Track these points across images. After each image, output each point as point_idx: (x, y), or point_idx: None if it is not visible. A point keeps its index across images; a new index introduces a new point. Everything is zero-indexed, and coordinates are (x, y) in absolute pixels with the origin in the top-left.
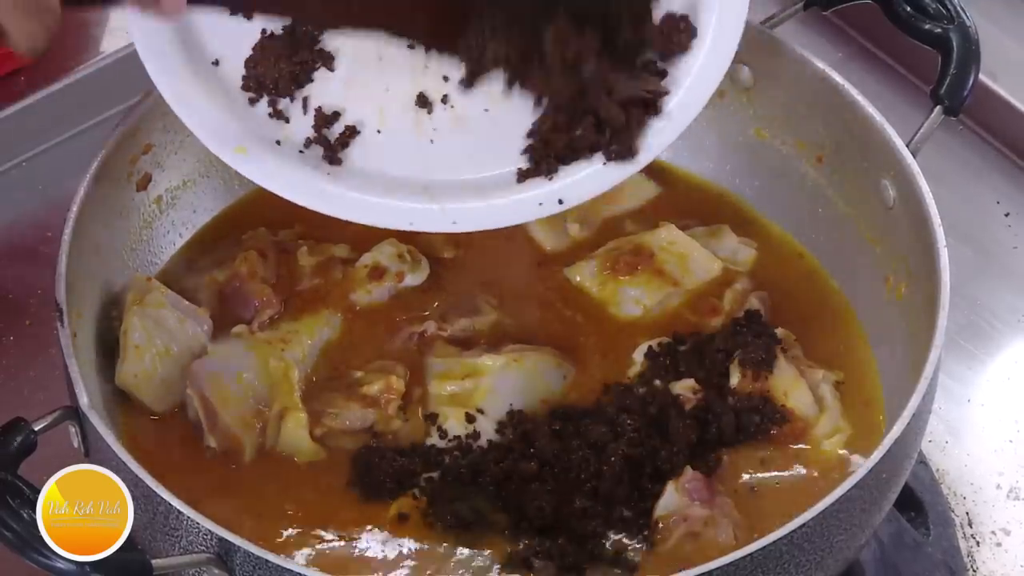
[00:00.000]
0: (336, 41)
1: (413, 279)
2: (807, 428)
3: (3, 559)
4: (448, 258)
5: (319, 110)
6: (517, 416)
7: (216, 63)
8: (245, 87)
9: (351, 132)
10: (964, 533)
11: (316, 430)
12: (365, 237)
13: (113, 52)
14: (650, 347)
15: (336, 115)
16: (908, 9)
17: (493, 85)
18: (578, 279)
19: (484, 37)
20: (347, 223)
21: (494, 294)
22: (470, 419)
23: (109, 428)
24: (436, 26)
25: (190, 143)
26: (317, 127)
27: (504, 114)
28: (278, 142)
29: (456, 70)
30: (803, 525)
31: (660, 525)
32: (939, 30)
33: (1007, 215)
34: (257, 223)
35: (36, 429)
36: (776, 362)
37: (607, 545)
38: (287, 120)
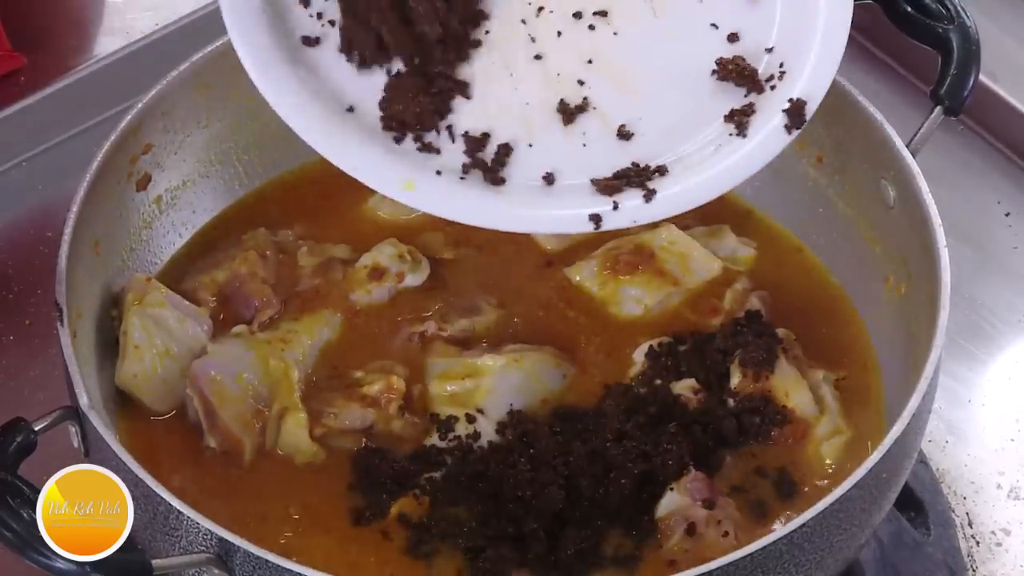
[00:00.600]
0: (465, 69)
1: (413, 279)
2: (808, 429)
3: (3, 559)
4: (448, 258)
5: (467, 135)
6: (517, 416)
7: (351, 110)
8: (386, 127)
9: (505, 151)
10: (964, 533)
11: (316, 430)
12: (365, 237)
13: (112, 52)
14: (651, 347)
15: (486, 136)
16: (908, 9)
17: (633, 85)
18: (578, 279)
19: None
20: (345, 224)
21: (494, 294)
22: (470, 419)
23: (109, 428)
24: None
25: (190, 143)
26: (470, 152)
27: (651, 108)
28: (439, 172)
29: (586, 71)
30: (803, 525)
31: (661, 525)
32: (939, 30)
33: (1007, 215)
34: (257, 223)
35: (36, 429)
36: (777, 362)
37: (608, 549)
38: (438, 151)
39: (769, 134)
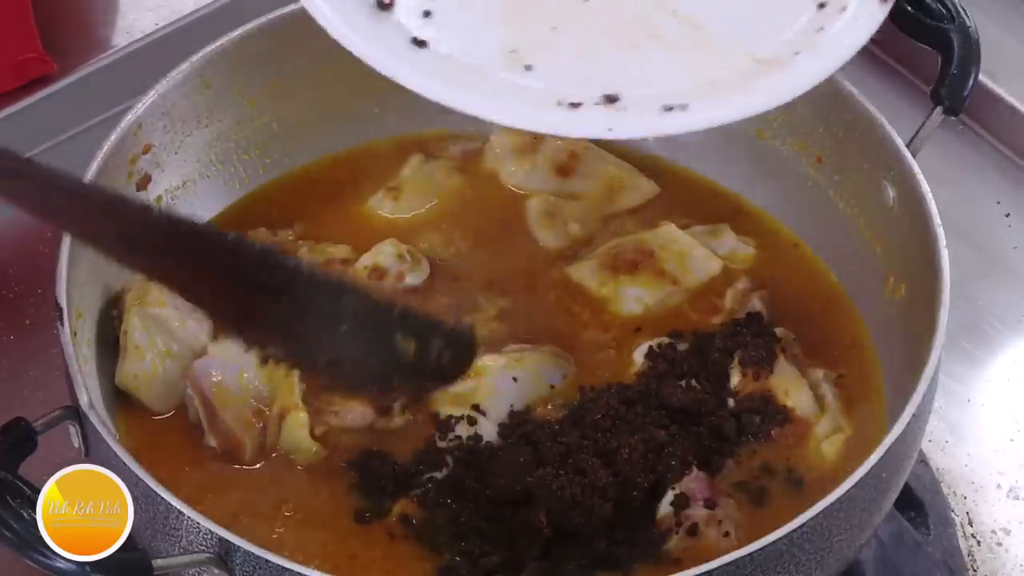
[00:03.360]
0: None
1: (413, 279)
2: (808, 428)
3: (3, 559)
4: (448, 258)
5: None
6: (518, 417)
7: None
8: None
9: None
10: (964, 533)
11: (317, 429)
12: (365, 237)
13: (113, 52)
14: (650, 347)
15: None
16: (908, 9)
17: None
18: (578, 278)
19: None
20: (345, 224)
21: (495, 293)
22: (471, 422)
23: (109, 428)
24: (227, 314)
25: (190, 143)
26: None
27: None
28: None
29: None
30: (803, 525)
31: (662, 525)
32: (939, 30)
33: (1007, 215)
34: (257, 223)
35: (36, 429)
36: (776, 361)
37: (608, 550)
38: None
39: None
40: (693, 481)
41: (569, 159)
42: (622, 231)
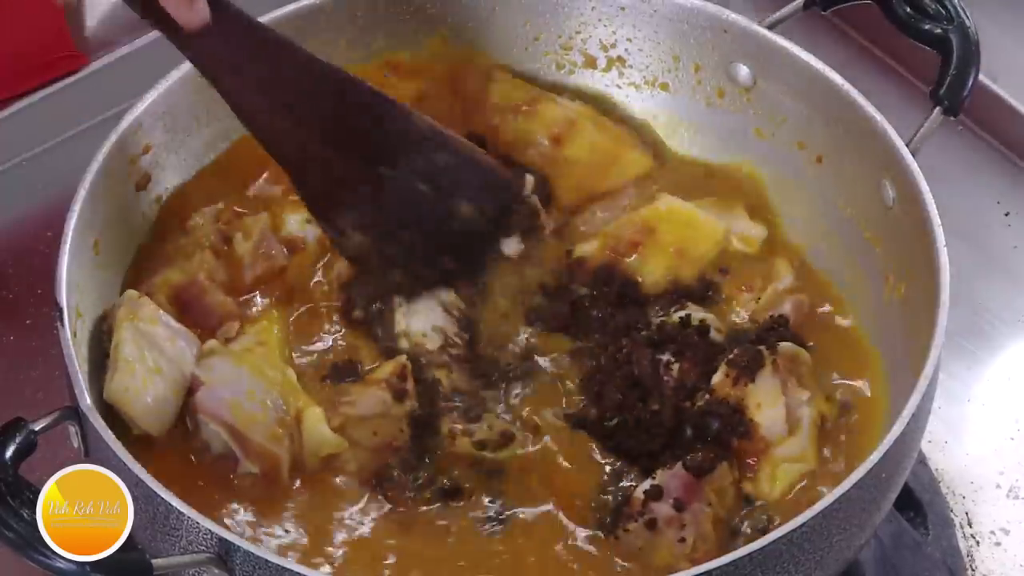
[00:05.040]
0: None
1: None
2: (767, 448)
3: (3, 559)
4: None
5: None
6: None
7: None
8: None
9: None
10: (964, 533)
11: (333, 420)
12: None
13: (114, 52)
14: (661, 321)
15: None
16: (908, 9)
17: None
18: (581, 257)
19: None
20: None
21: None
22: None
23: (109, 428)
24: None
25: (190, 143)
26: None
27: None
28: None
29: None
30: (803, 525)
31: (631, 507)
32: (939, 30)
33: (1007, 215)
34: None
35: (36, 429)
36: (760, 372)
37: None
38: None
39: None
40: (673, 477)
41: (566, 127)
42: (623, 209)
